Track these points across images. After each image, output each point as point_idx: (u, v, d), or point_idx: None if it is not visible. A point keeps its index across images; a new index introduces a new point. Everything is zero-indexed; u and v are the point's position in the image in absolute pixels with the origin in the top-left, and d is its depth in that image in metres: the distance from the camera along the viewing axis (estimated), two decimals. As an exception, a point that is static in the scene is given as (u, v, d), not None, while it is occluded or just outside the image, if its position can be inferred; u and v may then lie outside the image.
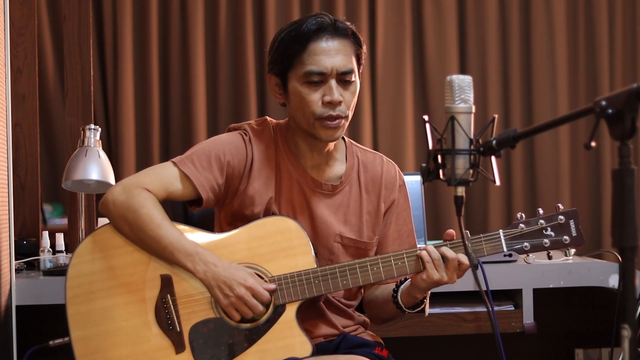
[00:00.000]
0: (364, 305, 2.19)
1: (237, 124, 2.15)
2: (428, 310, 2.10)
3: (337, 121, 2.01)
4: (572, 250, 1.99)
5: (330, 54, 1.99)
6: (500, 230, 1.98)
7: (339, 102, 1.99)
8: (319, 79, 1.99)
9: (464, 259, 1.94)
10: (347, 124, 2.05)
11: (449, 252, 1.95)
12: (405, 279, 2.05)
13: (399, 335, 2.11)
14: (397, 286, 2.05)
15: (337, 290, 2.00)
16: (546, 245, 1.97)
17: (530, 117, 4.56)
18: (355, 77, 2.03)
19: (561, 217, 1.97)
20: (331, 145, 2.09)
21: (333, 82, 1.99)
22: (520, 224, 1.97)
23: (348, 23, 2.04)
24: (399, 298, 2.04)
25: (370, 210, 2.13)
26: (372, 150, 2.21)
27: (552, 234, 1.97)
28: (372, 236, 2.13)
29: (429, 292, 2.03)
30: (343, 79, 2.00)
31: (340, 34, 2.01)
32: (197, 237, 2.01)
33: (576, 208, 2.02)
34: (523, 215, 1.99)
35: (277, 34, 2.06)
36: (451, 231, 1.99)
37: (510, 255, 2.67)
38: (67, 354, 2.01)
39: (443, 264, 1.94)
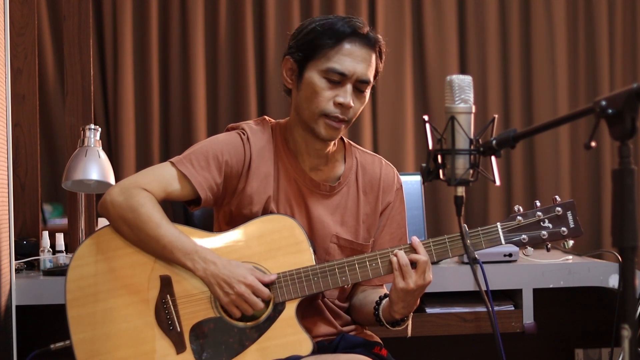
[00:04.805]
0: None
1: (235, 123, 2.15)
2: (410, 332, 2.10)
3: (340, 124, 2.02)
4: (571, 242, 1.98)
5: (357, 59, 2.00)
6: (498, 223, 1.98)
7: (349, 107, 2.01)
8: (338, 79, 1.99)
9: (417, 257, 1.93)
10: (346, 129, 2.07)
11: (402, 257, 1.94)
12: (386, 295, 2.04)
13: (399, 335, 2.11)
14: (379, 301, 2.05)
15: (336, 286, 2.00)
16: (544, 238, 1.96)
17: (530, 117, 4.55)
18: (368, 90, 2.05)
19: (558, 208, 1.97)
20: (330, 145, 2.09)
21: (349, 87, 2.00)
22: (518, 217, 1.97)
23: (379, 37, 2.05)
24: (380, 312, 2.03)
25: (367, 212, 2.13)
26: (371, 152, 2.21)
27: (550, 225, 1.97)
28: (367, 238, 2.13)
29: (410, 314, 2.02)
30: (359, 87, 2.02)
31: (370, 44, 2.02)
32: (196, 236, 2.01)
33: (573, 200, 2.01)
34: (520, 208, 1.98)
35: (308, 22, 2.06)
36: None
37: (510, 255, 2.67)
38: (69, 357, 2.01)
39: (410, 271, 1.93)
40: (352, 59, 1.99)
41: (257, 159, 2.07)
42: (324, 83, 2.00)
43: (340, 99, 1.99)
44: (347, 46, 2.00)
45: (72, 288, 2.01)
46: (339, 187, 2.11)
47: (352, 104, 2.00)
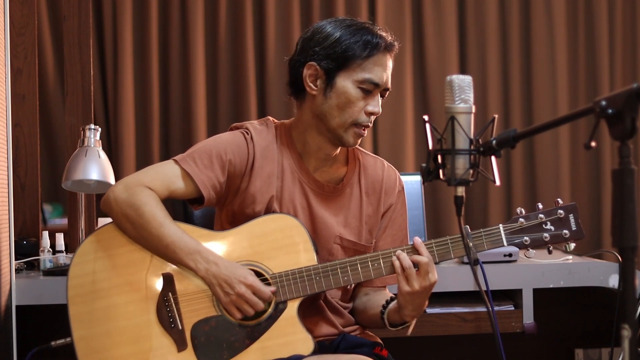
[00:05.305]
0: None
1: (239, 123, 2.16)
2: (410, 331, 2.11)
3: (366, 131, 2.06)
4: (572, 245, 1.98)
5: (385, 68, 2.04)
6: (500, 225, 1.98)
7: (377, 115, 2.05)
8: (371, 89, 2.02)
9: (419, 259, 1.93)
10: None
11: (404, 260, 1.95)
12: (393, 298, 2.05)
13: (399, 335, 2.11)
14: (385, 305, 2.05)
15: (338, 286, 2.01)
16: (546, 240, 1.97)
17: (530, 117, 4.56)
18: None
19: (561, 211, 1.98)
20: (338, 148, 2.10)
21: (378, 96, 2.04)
22: (520, 219, 1.98)
23: (395, 42, 2.08)
24: (387, 315, 2.04)
25: (369, 214, 2.13)
26: (373, 155, 2.23)
27: (552, 228, 1.97)
28: (370, 239, 2.13)
29: (415, 316, 2.03)
30: (383, 94, 2.06)
31: (390, 51, 2.07)
32: (198, 235, 2.02)
33: (575, 202, 2.02)
34: (522, 210, 1.99)
35: (331, 29, 2.04)
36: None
37: (510, 255, 2.67)
38: (69, 354, 2.01)
39: (413, 273, 1.94)
40: (382, 68, 2.03)
41: (260, 159, 2.07)
42: (358, 93, 2.01)
43: (371, 108, 2.02)
44: (381, 57, 2.03)
45: (74, 285, 2.02)
46: (342, 188, 2.12)
47: (380, 111, 2.05)
